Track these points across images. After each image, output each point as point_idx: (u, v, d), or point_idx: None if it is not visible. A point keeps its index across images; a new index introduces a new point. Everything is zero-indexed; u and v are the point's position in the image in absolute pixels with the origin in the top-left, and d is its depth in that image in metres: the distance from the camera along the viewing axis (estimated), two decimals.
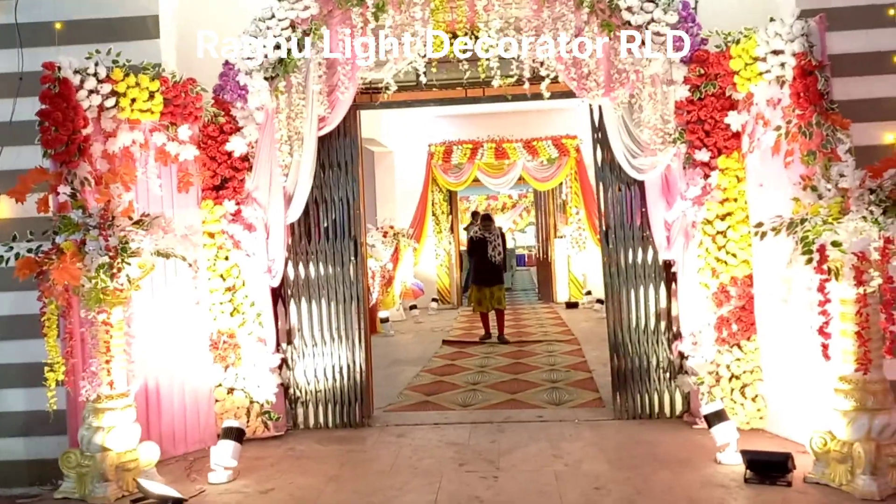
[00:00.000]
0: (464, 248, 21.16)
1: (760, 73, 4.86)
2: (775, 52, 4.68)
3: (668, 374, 5.77)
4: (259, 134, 5.50)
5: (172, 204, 5.34)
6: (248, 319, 5.56)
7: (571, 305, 14.54)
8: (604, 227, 5.91)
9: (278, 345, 5.88)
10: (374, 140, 13.82)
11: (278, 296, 5.92)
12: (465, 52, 5.57)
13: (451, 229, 15.74)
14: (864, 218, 3.78)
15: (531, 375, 7.86)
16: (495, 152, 14.67)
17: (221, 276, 5.52)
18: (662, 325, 5.78)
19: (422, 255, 14.84)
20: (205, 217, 5.47)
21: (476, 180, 15.09)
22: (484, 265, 10.43)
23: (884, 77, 5.03)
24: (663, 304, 5.79)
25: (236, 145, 5.48)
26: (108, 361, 4.42)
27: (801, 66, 4.48)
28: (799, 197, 4.26)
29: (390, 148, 14.99)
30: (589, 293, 14.76)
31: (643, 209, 5.76)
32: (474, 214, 10.00)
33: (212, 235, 5.50)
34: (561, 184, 15.01)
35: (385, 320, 11.75)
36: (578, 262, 14.97)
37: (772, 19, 4.75)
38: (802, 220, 4.06)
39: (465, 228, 15.23)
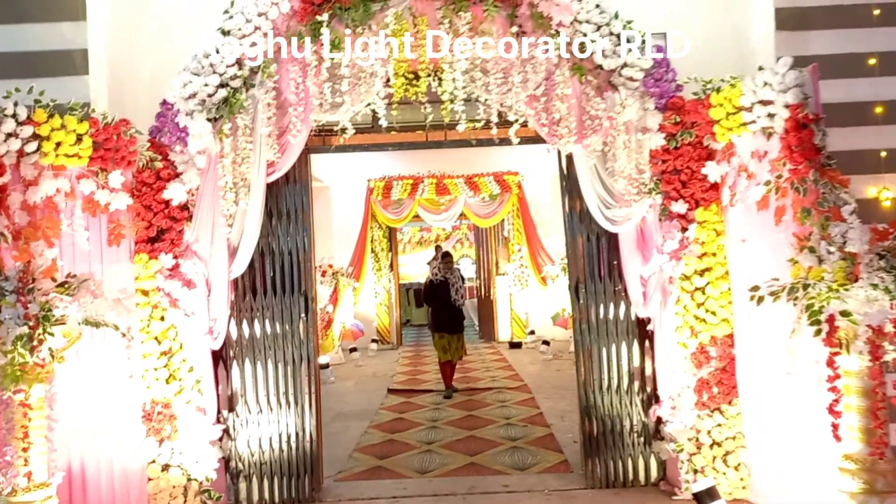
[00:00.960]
0: (413, 283, 20.68)
1: (744, 124, 4.60)
2: (763, 103, 4.43)
3: (642, 438, 5.42)
4: (200, 180, 4.96)
5: (101, 259, 4.75)
6: (186, 386, 4.97)
7: (515, 346, 14.20)
8: (574, 281, 5.55)
9: (219, 413, 5.31)
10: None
11: (219, 357, 5.35)
12: (426, 94, 5.18)
13: (391, 266, 15.29)
14: (875, 286, 3.49)
15: (487, 432, 7.42)
16: (436, 188, 14.32)
17: (156, 338, 4.93)
18: (636, 385, 5.45)
19: (361, 294, 14.31)
20: (138, 273, 4.88)
21: (416, 216, 14.69)
22: (448, 310, 9.62)
23: (864, 129, 4.85)
24: (637, 362, 5.45)
25: (175, 193, 4.92)
26: (25, 449, 3.80)
27: (794, 118, 4.22)
28: (797, 259, 3.98)
29: (327, 183, 14.47)
30: (532, 332, 14.47)
31: (615, 261, 5.44)
32: (437, 248, 9.37)
33: (146, 293, 4.90)
34: (503, 221, 14.75)
35: (325, 366, 11.14)
36: (521, 301, 14.69)
37: (761, 68, 4.50)
38: (805, 286, 3.76)
39: (429, 263, 14.59)
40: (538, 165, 14.25)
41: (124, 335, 4.29)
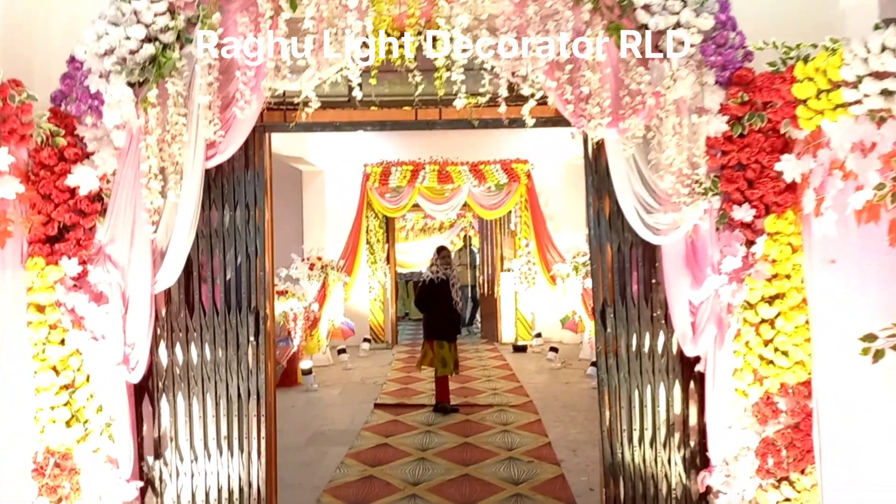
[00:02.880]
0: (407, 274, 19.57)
1: (844, 105, 3.38)
2: (878, 76, 3.21)
3: None
4: (118, 163, 3.79)
5: None
6: (93, 431, 3.81)
7: (519, 349, 13.07)
8: (600, 303, 4.36)
9: (142, 461, 4.16)
10: (301, 158, 12.16)
11: (144, 390, 4.19)
12: (415, 59, 3.98)
13: (387, 259, 14.13)
14: None
15: (485, 469, 6.24)
16: (438, 175, 13.17)
17: (54, 368, 3.75)
18: (677, 438, 4.26)
19: (353, 290, 13.14)
20: (31, 282, 3.70)
21: (416, 205, 13.50)
22: (447, 315, 8.43)
23: None
24: (679, 409, 4.27)
25: (83, 179, 3.75)
26: None
27: None
28: None
29: (320, 167, 13.32)
30: (539, 335, 13.32)
31: (654, 280, 4.25)
32: (439, 250, 8.15)
33: (41, 309, 3.72)
34: (510, 212, 13.56)
35: (308, 372, 10.02)
36: (527, 300, 13.53)
37: (877, 26, 3.28)
38: None
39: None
40: (550, 153, 13.08)
41: None
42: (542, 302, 13.30)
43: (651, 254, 4.23)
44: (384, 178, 13.12)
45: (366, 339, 13.21)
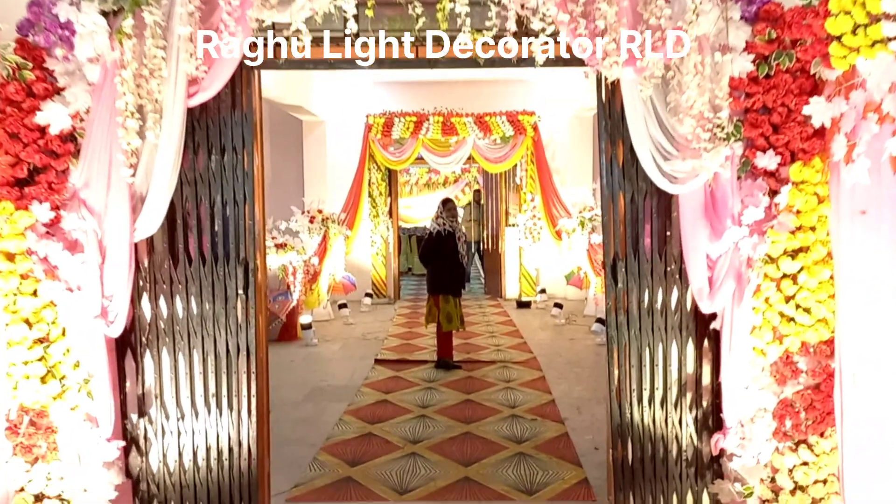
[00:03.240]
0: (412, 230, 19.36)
1: (883, 41, 3.07)
2: None
3: (693, 469, 4.04)
4: (92, 100, 3.51)
5: None
6: (71, 387, 3.59)
7: (523, 305, 12.86)
8: (611, 256, 4.10)
9: (125, 419, 3.96)
10: (301, 108, 11.82)
11: (126, 345, 3.97)
12: None
13: (390, 212, 13.84)
14: None
15: (488, 427, 6.05)
16: (442, 127, 12.81)
17: (26, 321, 3.51)
18: (689, 398, 4.04)
19: (355, 244, 12.90)
20: (0, 229, 3.45)
21: (420, 158, 13.17)
22: (454, 269, 8.15)
23: None
24: (691, 368, 4.04)
25: (54, 116, 3.47)
26: None
27: None
28: None
29: (321, 117, 12.97)
30: (543, 291, 13.11)
31: (669, 233, 3.99)
32: (444, 203, 7.85)
33: (10, 258, 3.47)
34: (515, 166, 13.24)
35: (307, 326, 9.82)
36: (532, 256, 13.28)
37: None
38: None
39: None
40: (557, 105, 12.71)
41: None
42: (546, 257, 13.06)
43: (666, 204, 3.96)
44: (387, 130, 12.79)
45: (367, 294, 13.02)
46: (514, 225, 13.56)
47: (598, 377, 7.60)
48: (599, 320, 9.48)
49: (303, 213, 11.43)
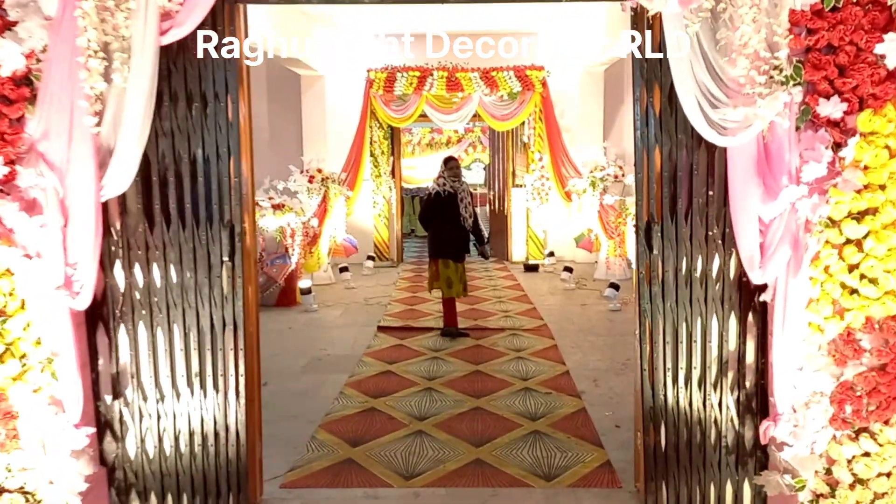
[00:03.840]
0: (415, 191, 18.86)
1: None
2: None
3: (734, 457, 3.62)
4: (49, 37, 3.02)
5: None
6: (33, 367, 3.16)
7: (531, 268, 12.42)
8: (644, 219, 3.63)
9: (98, 400, 3.54)
10: (298, 61, 11.25)
11: (98, 318, 3.53)
12: None
13: (393, 172, 13.32)
14: None
15: (499, 402, 5.63)
16: (447, 83, 12.25)
17: None
18: (730, 378, 3.59)
19: (356, 205, 12.43)
20: None
21: (423, 115, 12.61)
22: (455, 232, 7.62)
23: None
24: (733, 345, 3.59)
25: (5, 55, 2.99)
26: None
27: None
28: None
29: (320, 72, 12.41)
30: (551, 254, 12.66)
31: (712, 192, 3.50)
32: (446, 161, 7.30)
33: None
34: (523, 124, 12.70)
35: (307, 291, 9.38)
36: (539, 217, 12.79)
37: None
38: None
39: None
40: (567, 60, 12.13)
41: None
42: (555, 219, 12.59)
43: (709, 160, 3.47)
44: (389, 85, 12.22)
45: (370, 257, 12.58)
46: (521, 185, 13.06)
47: (614, 346, 7.18)
48: (612, 285, 9.06)
49: (301, 172, 10.95)
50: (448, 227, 7.58)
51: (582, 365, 6.60)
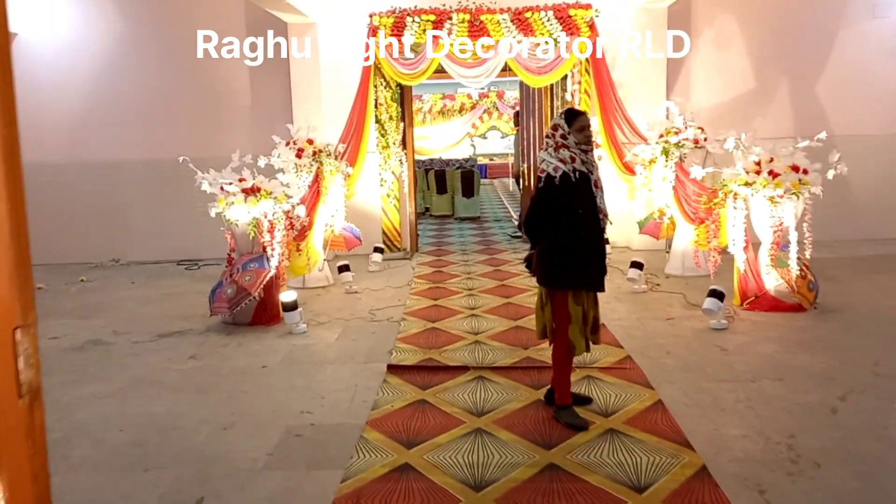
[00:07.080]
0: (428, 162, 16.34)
1: None
2: None
3: None
4: None
5: None
6: None
7: None
8: None
9: None
10: (287, 4, 8.70)
11: None
12: None
13: (403, 142, 10.74)
14: None
15: None
16: (469, 28, 9.76)
17: None
18: None
19: (359, 184, 9.93)
20: None
21: (441, 70, 10.02)
22: (595, 242, 4.47)
23: None
24: None
25: None
26: None
27: None
28: None
29: (311, 17, 9.83)
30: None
31: None
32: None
33: None
34: (565, 78, 10.14)
35: (291, 306, 6.83)
36: None
37: None
38: None
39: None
40: None
41: None
42: (609, 198, 10.01)
43: None
44: (397, 33, 9.69)
45: (377, 249, 10.02)
46: None
47: (754, 401, 4.67)
48: (714, 292, 6.47)
49: (287, 144, 8.48)
50: (583, 233, 4.42)
51: (721, 447, 4.08)
